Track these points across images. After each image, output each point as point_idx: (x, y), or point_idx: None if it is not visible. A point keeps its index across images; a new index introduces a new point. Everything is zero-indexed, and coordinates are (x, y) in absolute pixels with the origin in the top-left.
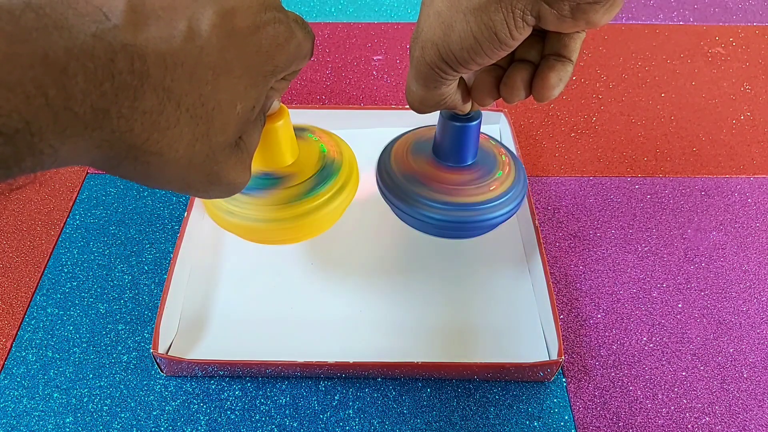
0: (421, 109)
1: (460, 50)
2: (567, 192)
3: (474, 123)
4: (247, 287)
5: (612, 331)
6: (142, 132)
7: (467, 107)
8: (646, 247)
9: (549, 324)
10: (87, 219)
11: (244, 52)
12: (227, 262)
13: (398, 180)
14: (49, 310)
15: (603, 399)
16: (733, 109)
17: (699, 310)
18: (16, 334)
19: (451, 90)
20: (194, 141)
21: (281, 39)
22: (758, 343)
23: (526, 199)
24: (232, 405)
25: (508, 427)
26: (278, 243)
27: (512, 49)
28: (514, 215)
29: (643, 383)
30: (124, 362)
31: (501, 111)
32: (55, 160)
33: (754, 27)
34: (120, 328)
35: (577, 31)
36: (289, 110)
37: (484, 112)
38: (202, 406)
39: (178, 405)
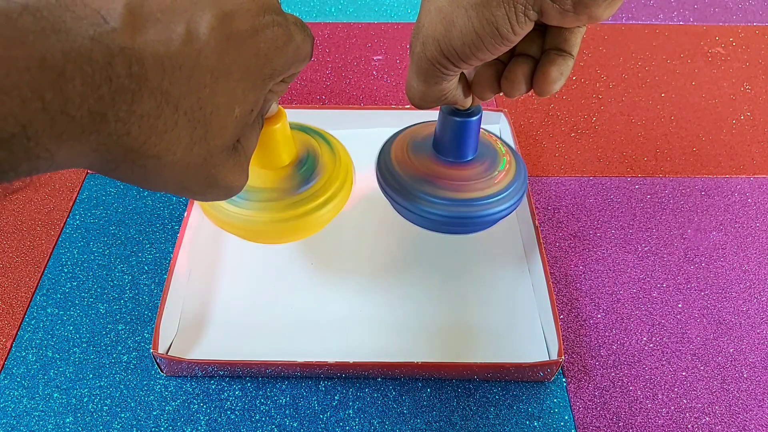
0: (421, 104)
1: (462, 46)
2: (567, 192)
3: (474, 118)
4: (247, 287)
5: (612, 331)
6: (139, 135)
7: (468, 102)
8: (646, 247)
9: (549, 324)
10: (87, 219)
11: (242, 55)
12: (227, 263)
13: (398, 175)
14: (49, 310)
15: (603, 399)
16: (733, 109)
17: (699, 310)
18: (16, 334)
19: (451, 85)
20: (192, 144)
21: (280, 42)
22: (758, 343)
23: (526, 198)
24: (232, 405)
25: (508, 427)
26: (276, 242)
27: (514, 45)
28: (515, 215)
29: (643, 383)
30: (124, 362)
31: (501, 111)
32: (51, 163)
33: (754, 27)
34: (120, 328)
35: (578, 26)
36: (289, 110)
37: (484, 113)
38: (202, 406)
39: (178, 405)
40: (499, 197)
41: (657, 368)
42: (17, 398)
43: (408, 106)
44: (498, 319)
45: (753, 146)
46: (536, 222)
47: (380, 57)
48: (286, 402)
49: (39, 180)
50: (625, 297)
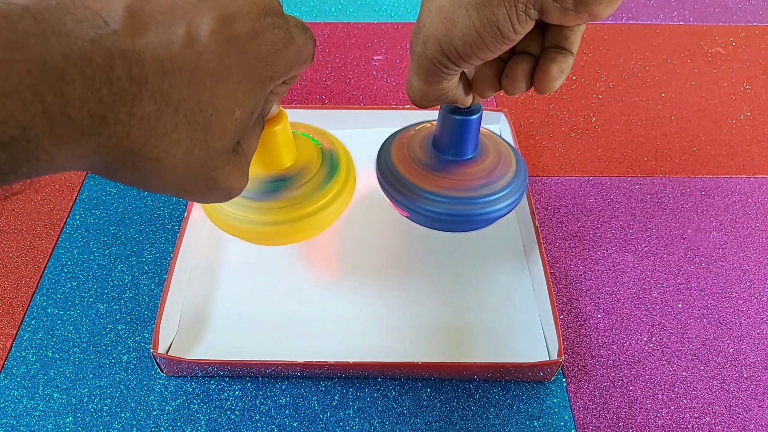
0: (422, 103)
1: (463, 45)
2: (567, 192)
3: (475, 116)
4: (247, 287)
5: (612, 331)
6: (139, 138)
7: (468, 100)
8: (646, 247)
9: (549, 324)
10: (87, 219)
11: (243, 58)
12: (227, 262)
13: (398, 173)
14: (49, 310)
15: (603, 399)
16: (733, 109)
17: (699, 310)
18: (16, 334)
19: (452, 84)
20: (192, 147)
21: (280, 45)
22: (758, 343)
23: (526, 198)
24: (232, 405)
25: (508, 427)
26: (277, 244)
27: (514, 44)
28: (515, 215)
29: (643, 383)
30: (124, 362)
31: (501, 111)
32: (51, 166)
33: (754, 27)
34: (120, 328)
35: (579, 24)
36: (289, 110)
37: (484, 113)
38: (202, 406)
39: (178, 405)
40: (499, 195)
41: (657, 368)
42: (17, 398)
43: (408, 106)
44: (498, 319)
45: (753, 146)
46: (536, 222)
47: (380, 57)
48: (286, 402)
49: (39, 180)
50: (625, 297)
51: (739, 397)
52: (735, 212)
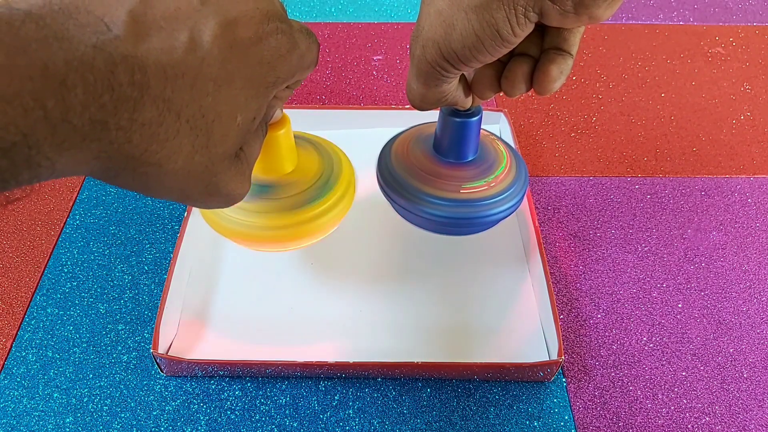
0: (422, 106)
1: (462, 48)
2: (567, 192)
3: (474, 119)
4: (247, 287)
5: (612, 331)
6: (140, 143)
7: (468, 102)
8: (646, 247)
9: (549, 324)
10: (87, 219)
11: (245, 63)
12: (227, 262)
13: (399, 177)
14: (49, 310)
15: (603, 399)
16: (733, 109)
17: (699, 310)
18: (16, 334)
19: (452, 87)
20: (193, 152)
21: (283, 50)
22: (758, 343)
23: (526, 198)
24: (232, 405)
25: (508, 427)
26: (275, 250)
27: (514, 46)
28: (515, 216)
29: (643, 383)
30: (124, 362)
31: (501, 111)
32: (52, 172)
33: (754, 27)
34: (120, 328)
35: (578, 26)
36: (289, 110)
37: (484, 112)
38: (202, 406)
39: (178, 405)
40: (499, 198)
41: (657, 368)
42: (17, 398)
43: (408, 106)
44: (498, 319)
45: (753, 146)
46: (536, 222)
47: (380, 57)
48: (286, 402)
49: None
50: (625, 297)
51: (739, 397)
52: (735, 212)
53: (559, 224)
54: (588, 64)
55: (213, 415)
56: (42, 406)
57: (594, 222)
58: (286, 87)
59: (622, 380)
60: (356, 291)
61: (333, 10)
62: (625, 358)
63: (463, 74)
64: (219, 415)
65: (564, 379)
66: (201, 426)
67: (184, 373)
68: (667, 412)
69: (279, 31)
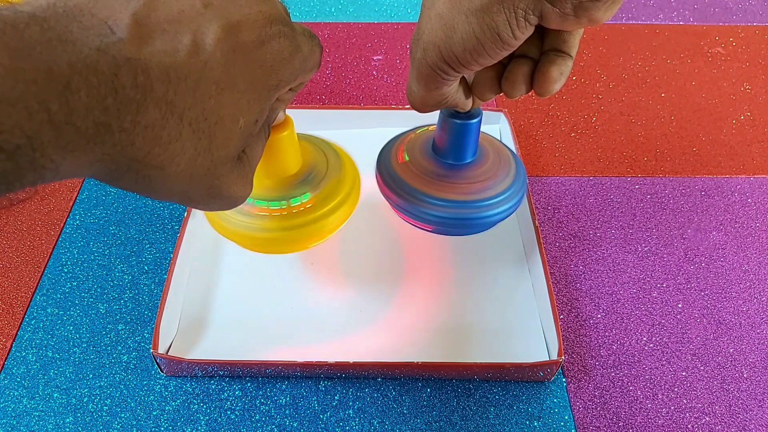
0: (422, 108)
1: (463, 51)
2: (567, 192)
3: (474, 120)
4: (247, 287)
5: (612, 331)
6: (143, 146)
7: (468, 104)
8: (646, 247)
9: (549, 324)
10: (87, 219)
11: (248, 66)
12: (227, 262)
13: (398, 178)
14: (49, 310)
15: (603, 399)
16: (733, 109)
17: (699, 310)
18: (16, 334)
19: (452, 89)
20: (196, 155)
21: (286, 53)
22: (758, 343)
23: (526, 198)
24: (232, 405)
25: (508, 427)
26: (280, 252)
27: (514, 49)
28: (515, 216)
29: (643, 383)
30: (124, 362)
31: (501, 111)
32: (56, 174)
33: (754, 27)
34: (120, 328)
35: (578, 29)
36: (289, 110)
37: (484, 113)
38: (202, 406)
39: (178, 405)
40: (498, 199)
41: (657, 368)
42: (17, 398)
43: (408, 106)
44: (498, 319)
45: (753, 146)
46: (536, 222)
47: (380, 57)
48: (286, 402)
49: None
50: (625, 297)
51: (739, 397)
52: (735, 212)
53: (559, 224)
54: (588, 64)
55: (213, 415)
56: (42, 406)
57: (594, 222)
58: (289, 90)
59: (622, 380)
60: (356, 291)
61: (333, 10)
62: (625, 358)
63: (463, 77)
64: (219, 415)
65: (564, 379)
66: (201, 426)
67: (184, 373)
68: (667, 412)
69: (282, 35)
